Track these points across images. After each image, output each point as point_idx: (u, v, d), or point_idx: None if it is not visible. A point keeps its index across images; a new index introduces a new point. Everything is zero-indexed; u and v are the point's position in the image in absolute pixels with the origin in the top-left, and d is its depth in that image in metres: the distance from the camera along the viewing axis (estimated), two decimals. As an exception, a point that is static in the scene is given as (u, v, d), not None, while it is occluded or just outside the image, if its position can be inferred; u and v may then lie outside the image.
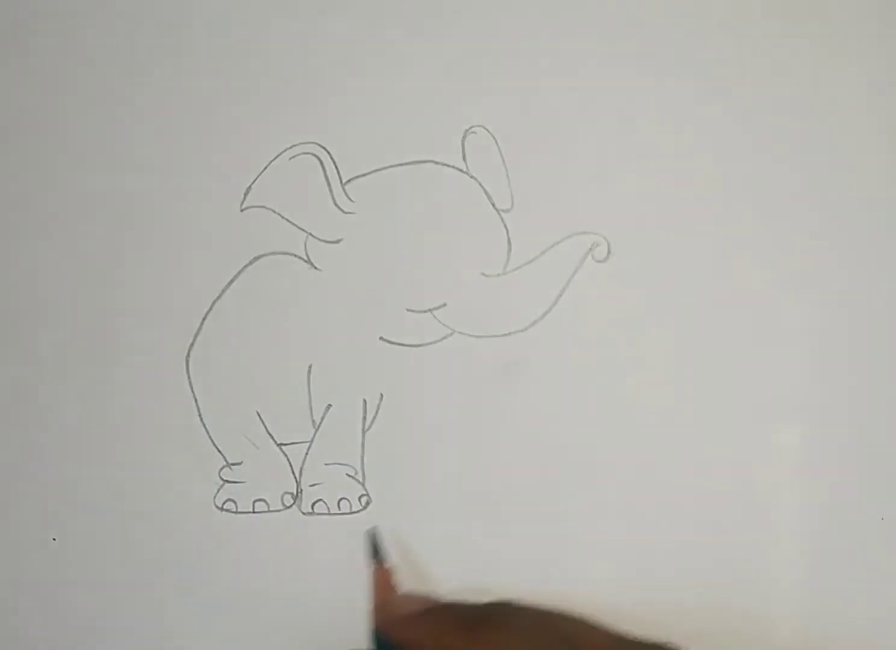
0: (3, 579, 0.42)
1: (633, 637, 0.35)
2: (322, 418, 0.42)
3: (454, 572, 0.41)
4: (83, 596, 0.42)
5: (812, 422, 0.41)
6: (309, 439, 0.42)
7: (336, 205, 0.42)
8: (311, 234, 0.42)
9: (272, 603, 0.42)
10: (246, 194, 0.42)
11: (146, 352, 0.42)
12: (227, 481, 0.42)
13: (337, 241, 0.42)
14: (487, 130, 0.42)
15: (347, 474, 0.42)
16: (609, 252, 0.42)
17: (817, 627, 0.41)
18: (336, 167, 0.42)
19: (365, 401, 0.42)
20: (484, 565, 0.41)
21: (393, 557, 0.41)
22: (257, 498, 0.42)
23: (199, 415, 0.42)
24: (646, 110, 0.42)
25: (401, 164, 0.42)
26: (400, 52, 0.42)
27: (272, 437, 0.42)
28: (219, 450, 0.42)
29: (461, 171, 0.42)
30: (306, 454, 0.42)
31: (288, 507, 0.42)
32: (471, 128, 0.42)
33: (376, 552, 0.40)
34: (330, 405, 0.42)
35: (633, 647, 0.34)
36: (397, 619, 0.36)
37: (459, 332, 0.42)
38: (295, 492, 0.42)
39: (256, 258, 0.42)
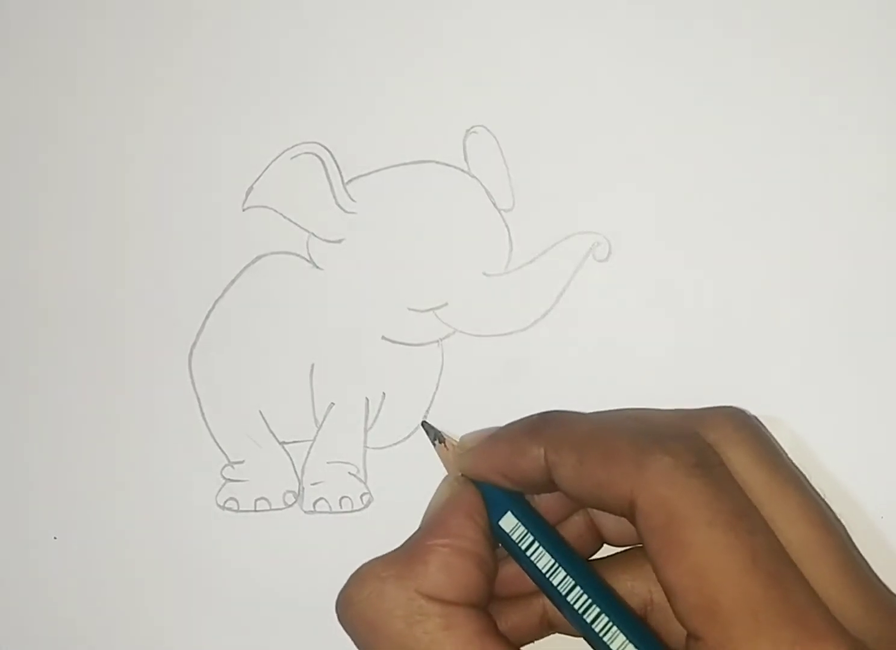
0: (4, 577, 0.43)
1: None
2: (324, 417, 0.42)
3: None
4: (83, 594, 0.42)
5: (811, 421, 0.41)
6: (311, 438, 0.43)
7: (338, 205, 0.42)
8: (312, 233, 0.42)
9: (273, 601, 0.42)
10: (248, 194, 0.42)
11: (148, 351, 0.42)
12: (229, 480, 0.42)
13: (339, 241, 0.42)
14: (488, 130, 0.42)
15: (349, 473, 0.42)
16: (610, 252, 0.42)
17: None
18: (338, 167, 0.42)
19: (367, 399, 0.42)
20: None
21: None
22: (259, 496, 0.42)
23: (202, 414, 0.43)
24: (646, 110, 0.42)
25: (402, 164, 0.42)
26: (401, 52, 0.42)
27: (274, 436, 0.43)
28: (221, 449, 0.43)
29: (462, 170, 0.42)
30: (308, 453, 0.43)
31: (290, 506, 0.42)
32: (472, 128, 0.42)
33: (431, 433, 0.39)
34: (332, 404, 0.42)
35: (698, 411, 0.34)
36: (469, 453, 0.36)
37: (461, 332, 0.42)
38: (297, 491, 0.42)
39: (258, 258, 0.42)
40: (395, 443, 0.42)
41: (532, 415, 0.35)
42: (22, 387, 0.43)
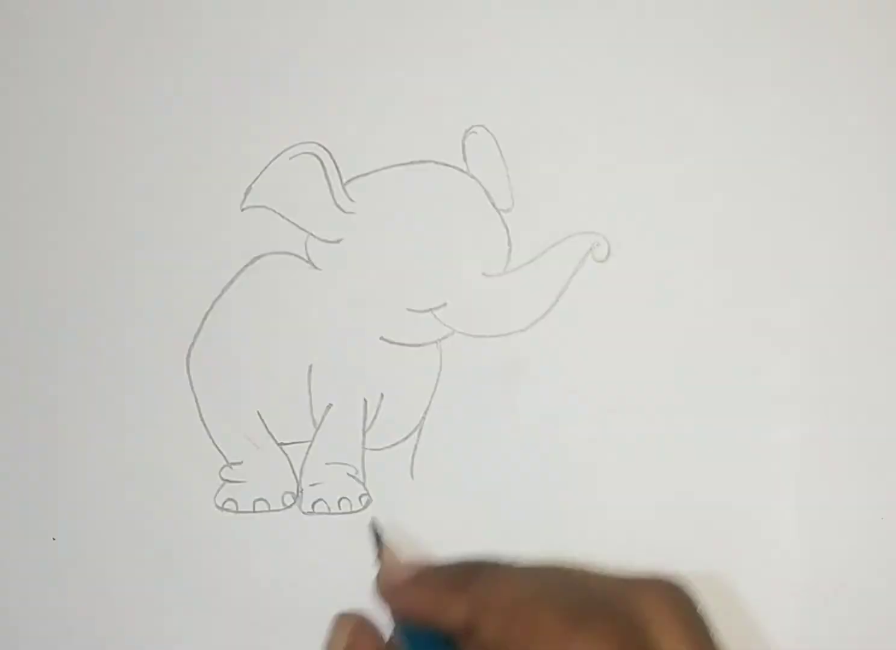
0: (3, 578, 0.43)
1: (631, 572, 0.35)
2: (322, 418, 0.42)
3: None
4: (83, 595, 0.42)
5: (812, 421, 0.41)
6: (309, 439, 0.43)
7: (336, 204, 0.42)
8: (311, 233, 0.42)
9: (273, 602, 0.42)
10: (246, 194, 0.42)
11: (147, 352, 0.42)
12: (228, 481, 0.42)
13: (337, 241, 0.42)
14: (488, 130, 0.42)
15: (348, 474, 0.42)
16: (609, 252, 0.42)
17: (817, 627, 0.41)
18: (336, 167, 0.42)
19: (365, 400, 0.42)
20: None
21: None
22: (258, 497, 0.42)
23: (200, 415, 0.42)
24: (646, 110, 0.42)
25: (401, 164, 0.42)
26: (400, 51, 0.42)
27: (273, 437, 0.43)
28: (219, 450, 0.42)
29: (461, 170, 0.42)
30: (307, 454, 0.42)
31: (288, 507, 0.42)
32: (471, 128, 0.42)
33: (378, 539, 0.40)
34: (330, 405, 0.42)
35: (631, 583, 0.34)
36: (392, 589, 0.35)
37: (460, 332, 0.42)
38: (295, 492, 0.42)
39: (257, 258, 0.42)
40: (393, 445, 0.42)
41: (458, 565, 0.35)
42: (21, 388, 0.43)
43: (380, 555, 0.37)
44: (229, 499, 0.42)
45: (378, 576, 0.37)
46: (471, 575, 0.34)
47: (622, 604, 0.32)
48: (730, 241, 0.42)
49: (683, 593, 0.34)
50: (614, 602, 0.32)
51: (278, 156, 0.42)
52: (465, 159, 0.42)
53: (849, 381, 0.41)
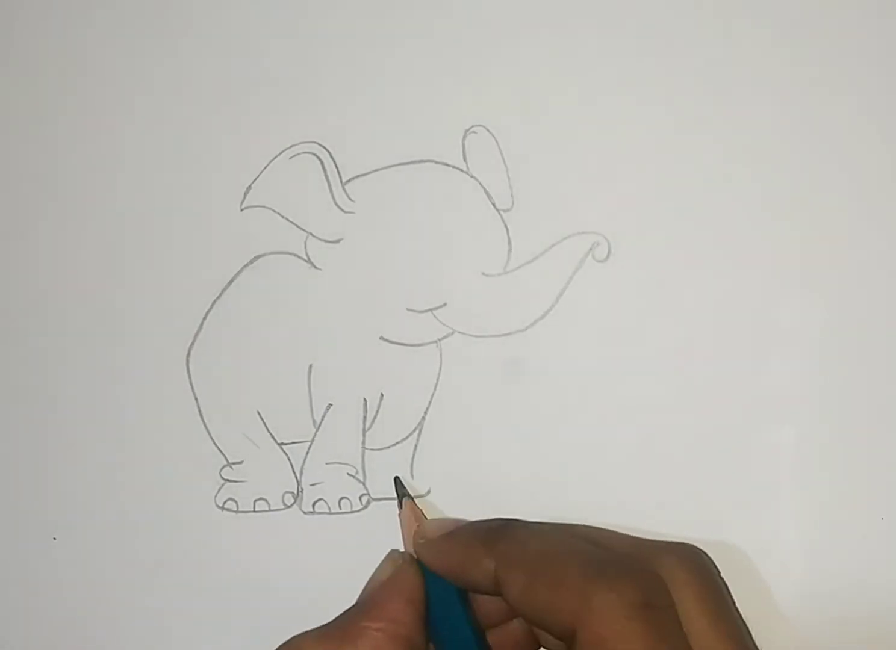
0: (4, 578, 0.43)
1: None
2: (322, 418, 0.42)
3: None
4: (83, 595, 0.42)
5: (812, 422, 0.41)
6: (309, 439, 0.43)
7: (336, 204, 0.42)
8: (311, 233, 0.42)
9: (273, 602, 0.42)
10: (246, 194, 0.42)
11: (146, 352, 0.42)
12: (228, 480, 0.42)
13: (337, 241, 0.42)
14: (488, 130, 0.42)
15: (348, 474, 0.42)
16: (609, 252, 0.42)
17: (816, 628, 0.41)
18: (336, 167, 0.42)
19: (365, 400, 0.42)
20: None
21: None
22: (258, 497, 0.42)
23: (200, 415, 0.43)
24: (646, 110, 0.42)
25: (401, 164, 0.42)
26: (400, 51, 0.42)
27: (273, 437, 0.43)
28: (219, 450, 0.43)
29: (461, 170, 0.42)
30: (307, 453, 0.42)
31: (289, 507, 0.42)
32: (471, 127, 0.42)
33: (400, 489, 0.41)
34: (330, 405, 0.42)
35: (654, 545, 0.34)
36: (425, 544, 0.37)
37: (460, 332, 0.42)
38: (296, 492, 0.42)
39: (256, 258, 0.42)
40: (393, 444, 0.42)
41: (490, 522, 0.36)
42: (21, 388, 0.43)
43: (402, 506, 0.39)
44: (230, 499, 0.42)
45: (402, 528, 0.38)
46: (499, 532, 0.35)
47: (644, 562, 0.33)
48: (731, 240, 0.42)
49: (703, 558, 0.34)
50: (636, 559, 0.33)
51: (278, 156, 0.42)
52: (465, 159, 0.42)
53: (849, 381, 0.41)
